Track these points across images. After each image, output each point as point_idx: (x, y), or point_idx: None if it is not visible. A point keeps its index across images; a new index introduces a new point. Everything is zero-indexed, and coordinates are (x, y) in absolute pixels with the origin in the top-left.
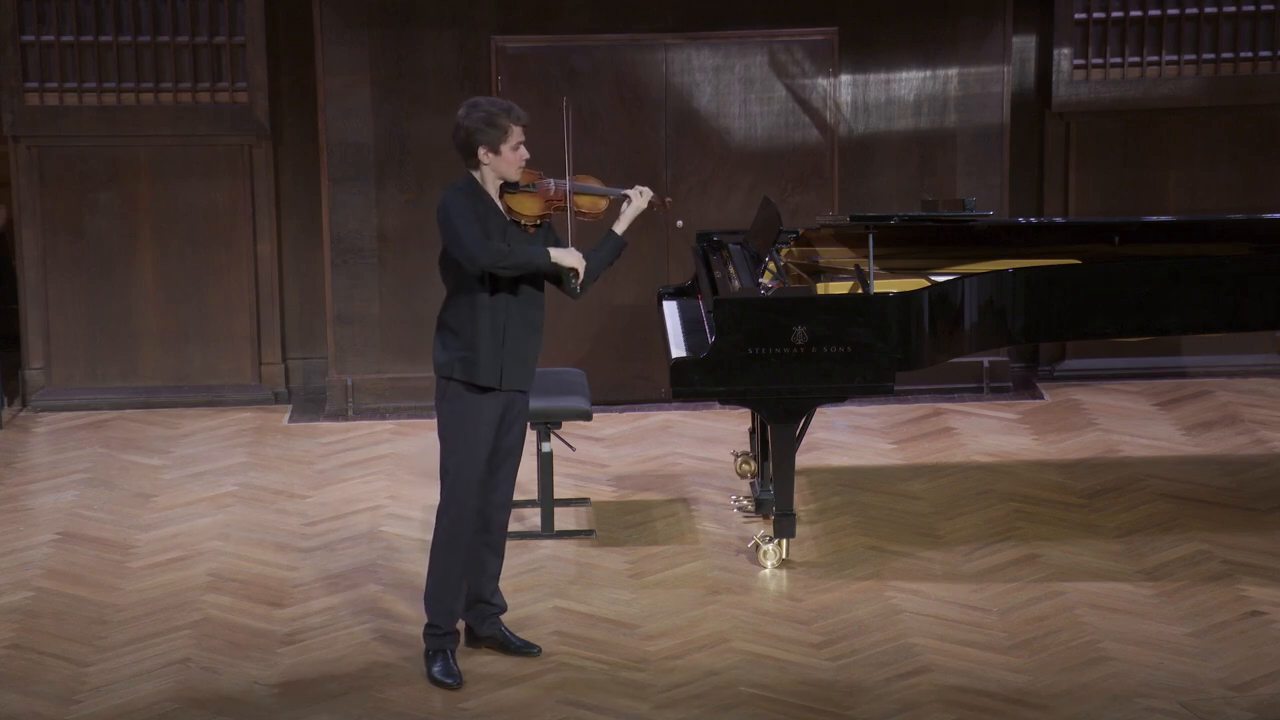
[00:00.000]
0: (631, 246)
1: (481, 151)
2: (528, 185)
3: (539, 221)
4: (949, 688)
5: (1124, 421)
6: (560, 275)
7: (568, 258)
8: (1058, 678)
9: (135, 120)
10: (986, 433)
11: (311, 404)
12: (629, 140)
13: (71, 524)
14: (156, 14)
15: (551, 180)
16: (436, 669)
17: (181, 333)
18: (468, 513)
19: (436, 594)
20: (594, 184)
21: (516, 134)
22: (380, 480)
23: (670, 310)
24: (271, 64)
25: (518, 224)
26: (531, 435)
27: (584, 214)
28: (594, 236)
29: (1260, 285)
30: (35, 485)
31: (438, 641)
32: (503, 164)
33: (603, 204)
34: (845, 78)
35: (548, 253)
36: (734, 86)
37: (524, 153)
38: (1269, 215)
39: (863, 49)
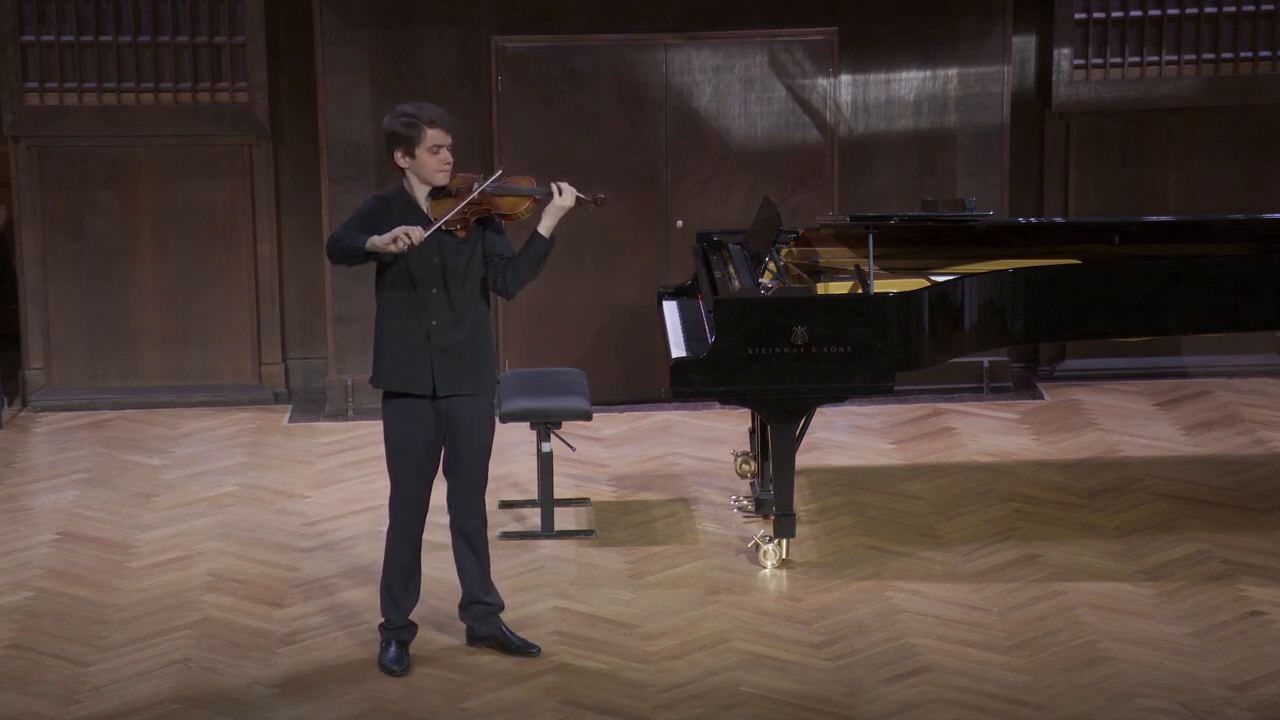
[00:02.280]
0: (631, 246)
1: (398, 155)
2: (454, 190)
3: (459, 226)
4: (949, 688)
5: (1124, 421)
6: (493, 272)
7: (386, 241)
8: (1058, 678)
9: (135, 120)
10: (986, 433)
11: (311, 404)
12: (629, 140)
13: (71, 524)
14: (156, 14)
15: (478, 184)
16: (385, 657)
17: (181, 333)
18: (407, 517)
19: (382, 589)
20: (524, 185)
21: (433, 137)
22: (380, 480)
23: (670, 310)
24: (271, 64)
25: (447, 231)
26: (532, 435)
27: (506, 215)
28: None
29: (1260, 285)
30: (35, 485)
31: (386, 633)
32: (420, 168)
33: (524, 204)
34: (845, 78)
35: (363, 240)
36: (734, 86)
37: (445, 156)
38: (1269, 215)
39: (863, 49)
